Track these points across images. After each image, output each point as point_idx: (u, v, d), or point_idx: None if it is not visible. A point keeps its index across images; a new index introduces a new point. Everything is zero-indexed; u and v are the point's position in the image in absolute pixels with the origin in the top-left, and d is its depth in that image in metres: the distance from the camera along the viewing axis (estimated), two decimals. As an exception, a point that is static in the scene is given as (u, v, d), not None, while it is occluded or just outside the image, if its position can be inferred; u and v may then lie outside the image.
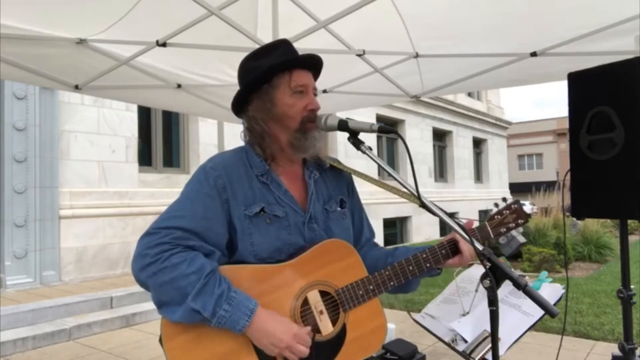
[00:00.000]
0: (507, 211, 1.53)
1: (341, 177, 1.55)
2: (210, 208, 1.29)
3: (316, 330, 1.30)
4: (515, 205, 1.53)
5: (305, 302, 1.31)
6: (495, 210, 1.55)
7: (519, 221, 1.53)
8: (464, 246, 1.43)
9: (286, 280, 1.30)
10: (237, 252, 1.32)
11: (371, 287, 1.38)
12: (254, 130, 1.40)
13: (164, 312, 1.23)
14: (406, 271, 1.40)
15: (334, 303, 1.34)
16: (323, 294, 1.33)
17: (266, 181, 1.37)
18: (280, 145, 1.40)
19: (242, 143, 1.48)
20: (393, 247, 1.59)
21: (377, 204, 11.16)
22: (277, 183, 1.38)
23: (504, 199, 1.56)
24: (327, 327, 1.31)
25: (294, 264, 1.32)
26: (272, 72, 1.36)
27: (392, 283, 1.39)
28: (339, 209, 1.49)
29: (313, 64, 1.43)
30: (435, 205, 1.31)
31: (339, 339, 1.33)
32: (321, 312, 1.31)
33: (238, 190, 1.32)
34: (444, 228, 14.35)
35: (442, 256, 1.43)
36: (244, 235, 1.31)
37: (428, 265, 1.42)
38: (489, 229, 1.51)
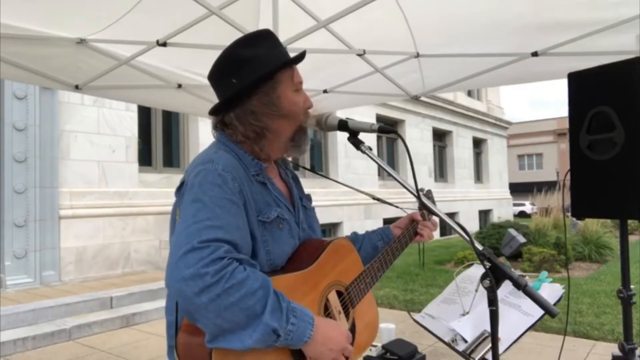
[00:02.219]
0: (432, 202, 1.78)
1: (298, 178, 1.55)
2: (239, 216, 1.15)
3: None
4: (431, 194, 1.82)
5: (327, 304, 1.30)
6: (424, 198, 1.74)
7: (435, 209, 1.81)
8: (423, 230, 1.68)
9: (311, 286, 1.27)
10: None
11: (368, 280, 1.44)
12: (251, 126, 1.27)
13: (226, 342, 1.03)
14: (387, 261, 1.53)
15: (345, 300, 1.37)
16: (337, 293, 1.35)
17: (263, 180, 1.28)
18: (280, 143, 1.33)
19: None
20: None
21: (377, 204, 11.15)
22: (271, 182, 1.32)
23: (422, 189, 1.71)
24: (345, 326, 1.34)
25: (314, 269, 1.28)
26: (279, 68, 1.29)
27: (380, 273, 1.49)
28: (312, 206, 1.52)
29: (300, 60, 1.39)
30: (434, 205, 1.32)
31: (352, 333, 1.35)
32: (339, 312, 1.33)
33: (249, 194, 1.21)
34: (444, 227, 14.34)
35: (405, 244, 1.65)
36: (261, 244, 1.21)
37: (398, 253, 1.60)
38: (426, 215, 1.77)
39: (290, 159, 1.51)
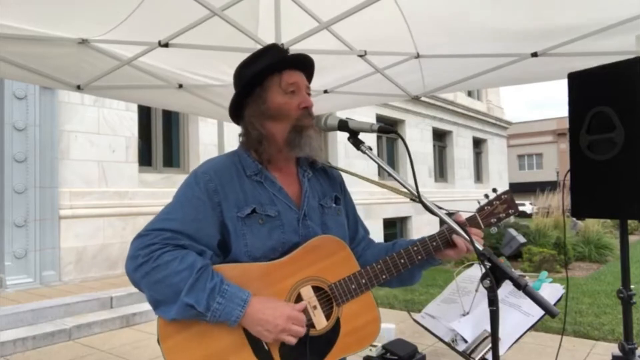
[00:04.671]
0: (498, 201, 1.51)
1: (333, 176, 1.60)
2: (200, 211, 1.31)
3: (310, 325, 1.32)
4: (506, 196, 1.51)
5: (299, 298, 1.33)
6: (485, 201, 1.53)
7: (510, 211, 1.52)
8: (458, 239, 1.41)
9: (279, 278, 1.32)
10: (231, 253, 1.34)
11: (363, 281, 1.39)
12: (250, 134, 1.41)
13: (160, 312, 1.24)
14: (398, 264, 1.41)
15: (327, 298, 1.37)
16: (316, 289, 1.35)
17: (260, 179, 1.39)
18: (277, 145, 1.40)
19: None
20: (392, 241, 1.61)
21: (377, 204, 11.16)
22: (271, 181, 1.40)
23: (495, 190, 1.54)
24: (321, 322, 1.34)
25: (286, 261, 1.33)
26: (263, 74, 1.40)
27: (384, 276, 1.40)
28: (334, 205, 1.52)
29: (303, 63, 1.46)
30: (436, 205, 1.32)
31: (334, 332, 1.35)
32: (315, 307, 1.34)
33: (230, 193, 1.34)
34: (444, 228, 14.31)
35: (433, 248, 1.43)
36: (237, 237, 1.33)
37: (420, 257, 1.42)
38: (479, 219, 1.50)
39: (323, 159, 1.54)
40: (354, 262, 1.42)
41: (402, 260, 1.41)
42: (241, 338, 1.27)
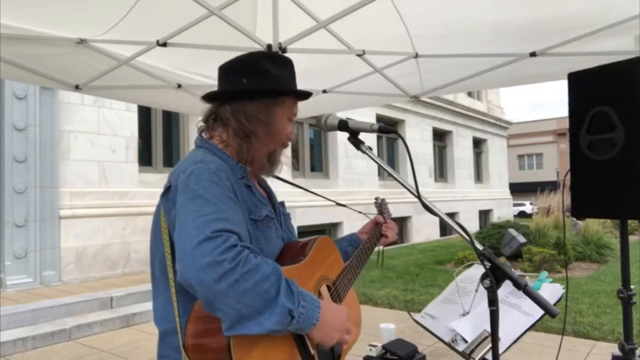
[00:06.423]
0: (386, 206, 1.96)
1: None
2: (238, 212, 1.19)
3: None
4: (386, 202, 1.98)
5: (319, 297, 1.34)
6: (378, 208, 1.95)
7: (390, 213, 1.98)
8: (388, 232, 1.80)
9: (304, 279, 1.31)
10: None
11: (350, 276, 1.52)
12: (241, 126, 1.31)
13: (245, 328, 1.05)
14: (363, 259, 1.65)
15: (333, 294, 1.42)
16: (328, 288, 1.40)
17: (248, 183, 1.32)
18: (261, 153, 1.36)
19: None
20: None
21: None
22: (254, 186, 1.37)
23: (377, 198, 1.97)
24: None
25: (306, 263, 1.33)
26: (288, 93, 1.37)
27: (358, 270, 1.58)
28: (287, 211, 1.56)
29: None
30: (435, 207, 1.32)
31: None
32: None
33: (238, 194, 1.25)
34: (444, 228, 14.35)
35: (374, 244, 1.77)
36: (253, 242, 1.24)
37: (370, 252, 1.72)
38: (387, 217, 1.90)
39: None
40: (342, 259, 1.54)
41: (363, 256, 1.66)
42: (292, 346, 1.18)
